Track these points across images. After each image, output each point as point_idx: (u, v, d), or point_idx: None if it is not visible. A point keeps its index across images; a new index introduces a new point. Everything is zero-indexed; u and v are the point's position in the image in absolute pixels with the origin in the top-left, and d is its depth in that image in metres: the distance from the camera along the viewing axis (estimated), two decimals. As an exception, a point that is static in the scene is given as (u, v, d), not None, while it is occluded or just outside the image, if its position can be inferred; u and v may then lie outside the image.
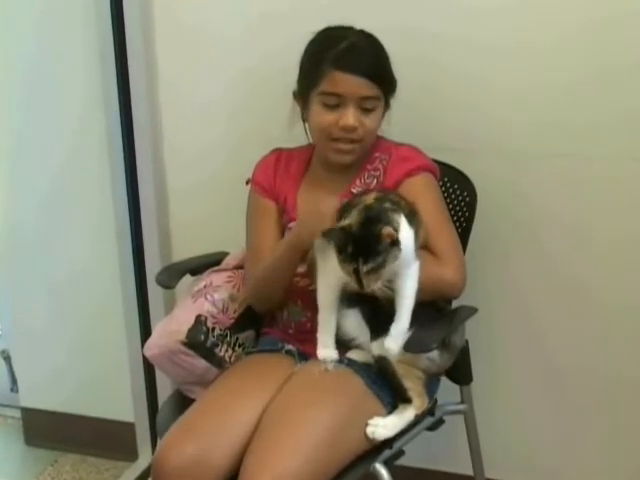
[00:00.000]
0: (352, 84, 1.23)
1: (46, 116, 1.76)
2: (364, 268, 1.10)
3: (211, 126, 1.68)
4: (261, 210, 1.37)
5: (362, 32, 1.28)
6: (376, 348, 1.20)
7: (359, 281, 1.11)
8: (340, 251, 1.11)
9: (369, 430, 1.16)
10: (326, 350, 1.24)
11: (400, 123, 1.35)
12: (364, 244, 1.10)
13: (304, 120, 1.33)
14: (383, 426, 1.17)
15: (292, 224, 1.33)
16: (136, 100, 1.65)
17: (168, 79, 1.68)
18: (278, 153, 1.41)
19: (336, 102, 1.25)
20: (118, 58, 1.62)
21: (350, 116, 1.24)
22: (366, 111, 1.26)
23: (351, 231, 1.11)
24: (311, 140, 1.35)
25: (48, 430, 1.98)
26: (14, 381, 2.05)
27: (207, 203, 1.73)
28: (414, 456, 1.31)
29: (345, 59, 1.23)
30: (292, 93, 1.33)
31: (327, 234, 1.13)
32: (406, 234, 1.12)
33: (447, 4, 1.46)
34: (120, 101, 1.65)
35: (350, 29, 1.28)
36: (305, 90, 1.29)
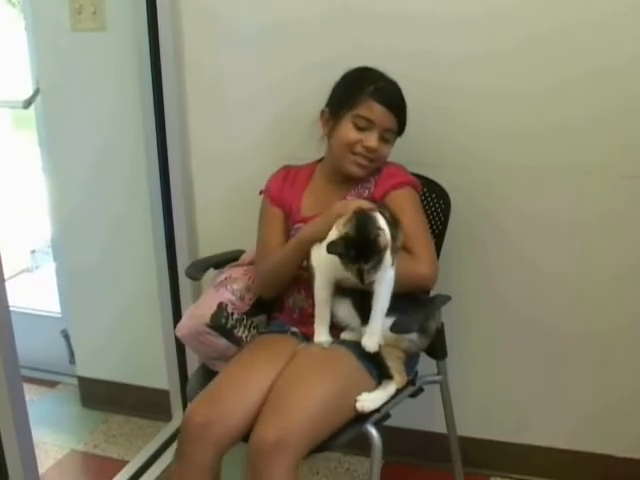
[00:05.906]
0: (382, 114, 1.29)
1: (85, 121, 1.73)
2: (366, 267, 1.13)
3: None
4: (270, 216, 1.40)
5: (392, 79, 1.33)
6: (364, 332, 1.20)
7: (361, 277, 1.14)
8: (343, 256, 1.13)
9: (358, 405, 1.16)
10: (322, 336, 1.26)
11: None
12: (364, 249, 1.12)
13: (327, 135, 1.34)
14: (370, 400, 1.18)
15: (297, 226, 1.35)
16: (169, 117, 1.62)
17: (196, 80, 1.62)
18: (287, 170, 1.43)
19: (365, 125, 1.29)
20: (153, 64, 1.58)
21: (374, 140, 1.29)
22: (384, 140, 1.31)
23: (350, 239, 1.13)
24: (325, 153, 1.37)
25: (100, 395, 2.00)
26: (72, 355, 2.07)
27: (226, 209, 1.72)
28: (399, 418, 1.31)
29: (383, 94, 1.29)
30: (320, 111, 1.35)
31: (331, 247, 1.13)
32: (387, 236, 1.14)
33: (420, 22, 1.43)
34: (155, 114, 1.61)
35: (384, 74, 1.32)
36: (339, 110, 1.31)
